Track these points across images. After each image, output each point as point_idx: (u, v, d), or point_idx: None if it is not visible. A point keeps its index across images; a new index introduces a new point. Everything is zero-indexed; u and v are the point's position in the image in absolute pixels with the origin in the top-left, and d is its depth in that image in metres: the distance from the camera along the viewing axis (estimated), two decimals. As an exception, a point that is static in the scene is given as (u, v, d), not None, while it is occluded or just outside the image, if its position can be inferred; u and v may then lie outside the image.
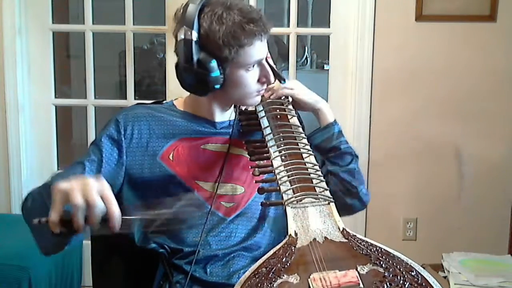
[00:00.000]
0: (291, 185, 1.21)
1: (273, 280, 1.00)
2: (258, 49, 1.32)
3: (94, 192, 1.01)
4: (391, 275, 1.00)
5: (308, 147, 1.33)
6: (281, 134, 1.34)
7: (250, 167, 1.32)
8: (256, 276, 1.02)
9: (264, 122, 1.39)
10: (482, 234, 2.82)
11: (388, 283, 0.98)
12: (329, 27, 2.82)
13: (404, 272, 1.00)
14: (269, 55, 1.39)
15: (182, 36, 1.28)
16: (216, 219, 1.38)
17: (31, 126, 2.88)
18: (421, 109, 2.78)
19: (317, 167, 1.27)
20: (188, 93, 1.42)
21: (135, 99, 2.90)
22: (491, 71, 2.75)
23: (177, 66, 1.33)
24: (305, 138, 1.36)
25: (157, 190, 1.37)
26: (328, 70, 2.94)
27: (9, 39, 2.75)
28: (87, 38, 2.84)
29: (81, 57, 2.93)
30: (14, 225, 2.34)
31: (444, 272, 2.28)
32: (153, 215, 1.11)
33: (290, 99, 1.46)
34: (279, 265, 1.04)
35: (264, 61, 1.36)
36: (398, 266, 1.02)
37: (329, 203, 1.19)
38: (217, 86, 1.32)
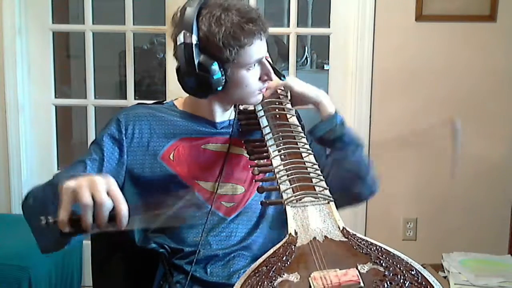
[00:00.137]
0: (290, 184, 1.22)
1: (274, 278, 1.00)
2: (258, 48, 1.32)
3: (102, 190, 1.01)
4: (391, 274, 1.00)
5: (307, 146, 1.33)
6: (280, 134, 1.34)
7: (249, 166, 1.32)
8: (257, 275, 1.02)
9: (263, 122, 1.39)
10: (482, 234, 2.82)
11: (388, 282, 0.98)
12: (329, 27, 2.82)
13: (404, 271, 1.01)
14: (267, 54, 1.39)
15: (182, 40, 1.28)
16: (217, 219, 1.39)
17: (31, 126, 2.88)
18: (421, 109, 2.78)
19: (316, 166, 1.27)
20: (188, 93, 1.42)
21: (135, 99, 2.90)
22: (491, 71, 2.75)
23: (178, 70, 1.33)
24: (304, 137, 1.36)
25: (157, 189, 1.37)
26: (328, 70, 2.95)
27: (9, 39, 2.75)
28: (87, 38, 2.84)
29: (81, 57, 2.93)
30: (14, 225, 2.34)
31: (444, 272, 2.28)
32: (157, 214, 1.11)
33: (289, 97, 1.46)
34: (279, 264, 1.04)
35: (264, 59, 1.36)
36: (398, 265, 1.02)
37: (328, 202, 1.19)
38: (220, 88, 1.32)
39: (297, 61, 3.15)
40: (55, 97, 2.91)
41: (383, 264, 1.02)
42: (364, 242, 1.09)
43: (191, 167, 1.39)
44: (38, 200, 1.23)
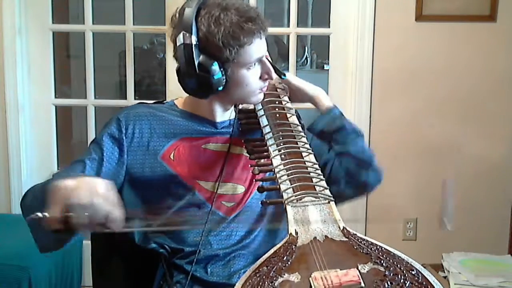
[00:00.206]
0: (291, 184, 1.22)
1: (274, 279, 1.00)
2: (258, 47, 1.32)
3: (100, 193, 1.01)
4: (391, 274, 1.00)
5: (307, 145, 1.33)
6: (280, 133, 1.34)
7: (249, 165, 1.32)
8: (257, 275, 1.02)
9: (263, 121, 1.39)
10: (482, 234, 2.82)
11: (388, 282, 0.98)
12: (329, 27, 2.82)
13: (404, 271, 1.00)
14: (267, 53, 1.39)
15: (181, 41, 1.28)
16: (217, 219, 1.38)
17: (31, 126, 2.88)
18: (421, 109, 2.78)
19: (316, 166, 1.27)
20: (188, 93, 1.42)
21: (135, 99, 2.90)
22: (491, 71, 2.75)
23: (178, 71, 1.33)
24: (304, 136, 1.36)
25: (157, 189, 1.37)
26: (328, 70, 2.94)
27: (9, 39, 2.74)
28: (87, 38, 2.84)
29: (81, 57, 2.93)
30: (14, 225, 2.34)
31: (444, 272, 2.28)
32: (154, 220, 1.11)
33: (288, 94, 1.47)
34: (280, 264, 1.03)
35: (264, 58, 1.36)
36: (398, 265, 1.02)
37: (329, 202, 1.19)
38: (220, 88, 1.32)
39: (297, 61, 3.15)
40: (55, 97, 2.91)
41: (384, 264, 1.02)
42: (364, 242, 1.08)
43: (192, 167, 1.39)
44: (36, 199, 1.22)
